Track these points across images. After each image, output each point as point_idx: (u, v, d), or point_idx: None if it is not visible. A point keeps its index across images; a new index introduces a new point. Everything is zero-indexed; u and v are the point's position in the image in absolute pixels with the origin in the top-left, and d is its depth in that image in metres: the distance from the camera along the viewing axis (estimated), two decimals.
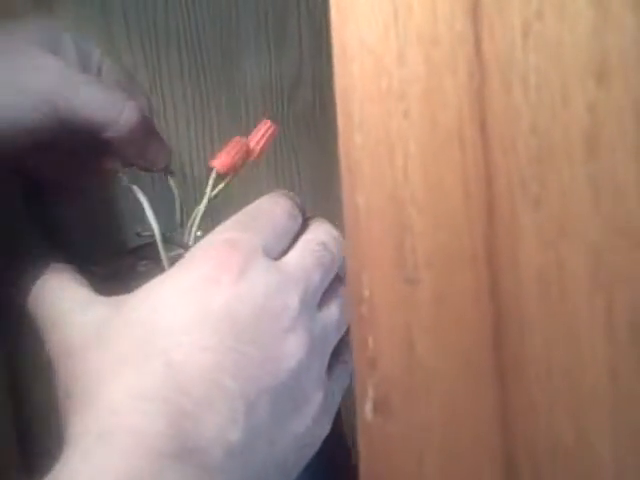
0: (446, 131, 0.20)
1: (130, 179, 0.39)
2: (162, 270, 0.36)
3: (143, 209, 0.38)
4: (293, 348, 0.30)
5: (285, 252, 0.33)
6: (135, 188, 0.38)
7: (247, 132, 0.38)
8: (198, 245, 0.33)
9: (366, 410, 0.22)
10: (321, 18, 0.61)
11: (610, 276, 0.18)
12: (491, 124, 0.20)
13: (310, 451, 0.31)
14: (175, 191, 0.40)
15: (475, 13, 0.20)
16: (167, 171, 0.39)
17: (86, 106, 0.33)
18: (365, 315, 0.22)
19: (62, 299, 0.32)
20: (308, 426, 0.31)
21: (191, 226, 0.38)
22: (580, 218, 0.19)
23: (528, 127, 0.19)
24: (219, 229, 0.33)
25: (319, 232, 0.34)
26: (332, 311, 0.33)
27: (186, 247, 0.37)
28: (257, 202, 0.35)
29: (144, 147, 0.36)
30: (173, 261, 0.36)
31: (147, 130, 0.36)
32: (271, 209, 0.34)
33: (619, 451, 0.18)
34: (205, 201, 0.38)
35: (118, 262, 0.41)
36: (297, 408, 0.30)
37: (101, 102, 0.33)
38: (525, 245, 0.20)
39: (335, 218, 0.32)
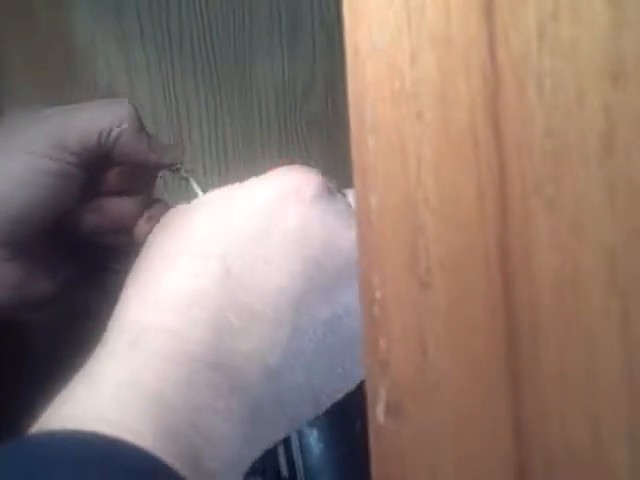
0: (460, 133, 0.20)
1: (188, 171, 0.38)
2: None
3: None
4: (353, 285, 0.29)
5: None
6: (192, 180, 0.38)
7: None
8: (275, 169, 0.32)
9: (377, 412, 0.22)
10: (334, 19, 0.61)
11: (626, 279, 0.18)
12: (505, 126, 0.20)
13: (344, 387, 0.30)
14: (199, 192, 0.39)
15: (489, 15, 0.19)
16: (178, 171, 0.39)
17: (87, 119, 0.37)
18: (377, 317, 0.22)
19: None
20: (349, 363, 0.30)
21: None
22: (595, 220, 0.19)
23: (543, 129, 0.19)
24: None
25: None
26: None
27: None
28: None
29: (148, 145, 0.38)
30: None
31: (143, 136, 0.38)
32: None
33: (636, 458, 0.18)
34: None
35: None
36: (343, 343, 0.29)
37: (98, 109, 0.37)
38: (539, 248, 0.19)
39: None
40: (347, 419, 0.42)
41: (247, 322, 0.27)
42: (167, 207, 0.37)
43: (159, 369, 0.26)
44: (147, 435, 0.24)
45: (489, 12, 0.20)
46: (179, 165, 0.39)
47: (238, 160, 0.60)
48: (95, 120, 0.37)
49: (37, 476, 0.22)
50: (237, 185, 0.31)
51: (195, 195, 0.38)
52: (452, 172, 0.20)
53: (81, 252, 0.40)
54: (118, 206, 0.38)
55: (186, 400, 0.26)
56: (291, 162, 0.34)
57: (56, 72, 0.57)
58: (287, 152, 0.59)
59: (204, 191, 0.39)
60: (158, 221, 0.33)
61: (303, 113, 0.62)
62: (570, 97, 0.19)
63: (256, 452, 0.28)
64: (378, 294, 0.22)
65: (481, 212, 0.20)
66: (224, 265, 0.28)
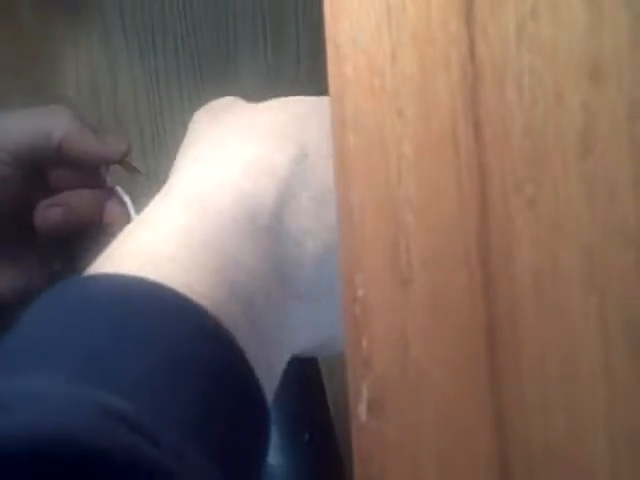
0: (440, 131, 0.20)
1: (114, 181, 0.40)
2: None
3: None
4: None
5: None
6: (119, 189, 0.40)
7: None
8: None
9: (360, 411, 0.22)
10: (319, 19, 0.61)
11: (604, 276, 0.18)
12: (484, 124, 0.20)
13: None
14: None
15: (469, 13, 0.20)
16: (128, 167, 0.41)
17: (26, 124, 0.40)
18: (359, 315, 0.22)
19: None
20: None
21: None
22: (574, 218, 0.19)
23: (522, 127, 0.19)
24: None
25: None
26: None
27: None
28: None
29: (93, 143, 0.41)
30: None
31: (87, 136, 0.41)
32: None
33: (615, 452, 0.18)
34: None
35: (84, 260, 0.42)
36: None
37: (38, 115, 0.41)
38: (519, 245, 0.19)
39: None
40: (296, 430, 0.42)
41: (316, 205, 0.28)
42: (121, 198, 0.40)
43: (219, 222, 0.26)
44: (203, 282, 0.24)
45: (469, 10, 0.20)
46: (127, 158, 0.41)
47: None
48: (32, 126, 0.40)
49: (74, 313, 0.22)
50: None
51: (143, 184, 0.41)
52: (432, 170, 0.20)
53: (51, 249, 0.41)
54: (80, 198, 0.41)
55: (242, 253, 0.26)
56: None
57: (38, 71, 0.57)
58: None
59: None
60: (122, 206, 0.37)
61: None
62: (549, 95, 0.19)
63: (291, 345, 0.28)
64: (360, 292, 0.22)
65: (461, 210, 0.20)
66: (302, 150, 0.28)
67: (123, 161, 0.41)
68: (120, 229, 0.42)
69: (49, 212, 0.40)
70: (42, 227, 0.40)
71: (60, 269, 0.41)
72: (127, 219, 0.40)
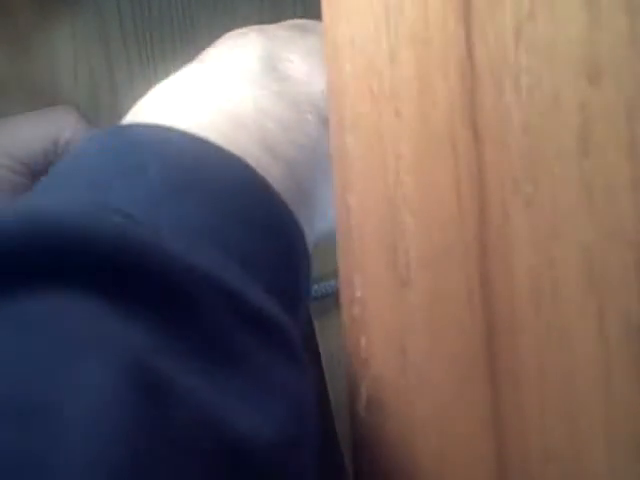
0: (438, 132, 0.20)
1: None
2: None
3: None
4: None
5: None
6: None
7: None
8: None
9: (359, 410, 0.22)
10: (318, 14, 0.61)
11: (602, 277, 0.18)
12: (483, 125, 0.20)
13: None
14: None
15: (466, 14, 0.19)
16: None
17: (33, 130, 0.40)
18: (357, 316, 0.22)
19: None
20: None
21: None
22: (572, 218, 0.19)
23: (520, 128, 0.19)
24: None
25: None
26: None
27: None
28: None
29: None
30: None
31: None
32: None
33: (613, 455, 0.18)
34: None
35: None
36: None
37: (44, 118, 0.41)
38: (517, 246, 0.19)
39: None
40: None
41: (302, 57, 0.29)
42: None
43: (231, 83, 0.27)
44: (241, 139, 0.24)
45: (466, 11, 0.20)
46: None
47: None
48: (41, 130, 0.40)
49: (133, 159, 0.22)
50: None
51: None
52: (430, 170, 0.20)
53: None
54: None
55: (261, 97, 0.26)
56: None
57: (37, 71, 0.57)
58: None
59: None
60: None
61: None
62: (546, 95, 0.19)
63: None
64: (358, 293, 0.22)
65: (460, 211, 0.20)
66: (266, 37, 0.30)
67: None
68: None
69: None
70: None
71: None
72: None
